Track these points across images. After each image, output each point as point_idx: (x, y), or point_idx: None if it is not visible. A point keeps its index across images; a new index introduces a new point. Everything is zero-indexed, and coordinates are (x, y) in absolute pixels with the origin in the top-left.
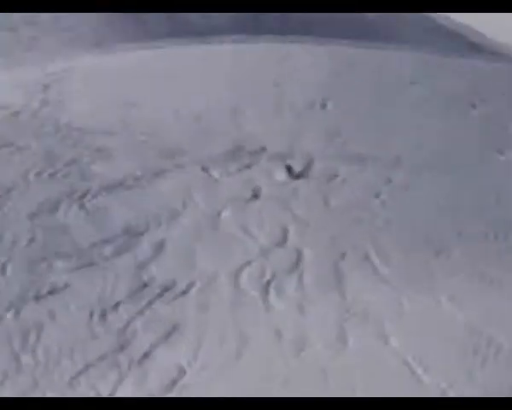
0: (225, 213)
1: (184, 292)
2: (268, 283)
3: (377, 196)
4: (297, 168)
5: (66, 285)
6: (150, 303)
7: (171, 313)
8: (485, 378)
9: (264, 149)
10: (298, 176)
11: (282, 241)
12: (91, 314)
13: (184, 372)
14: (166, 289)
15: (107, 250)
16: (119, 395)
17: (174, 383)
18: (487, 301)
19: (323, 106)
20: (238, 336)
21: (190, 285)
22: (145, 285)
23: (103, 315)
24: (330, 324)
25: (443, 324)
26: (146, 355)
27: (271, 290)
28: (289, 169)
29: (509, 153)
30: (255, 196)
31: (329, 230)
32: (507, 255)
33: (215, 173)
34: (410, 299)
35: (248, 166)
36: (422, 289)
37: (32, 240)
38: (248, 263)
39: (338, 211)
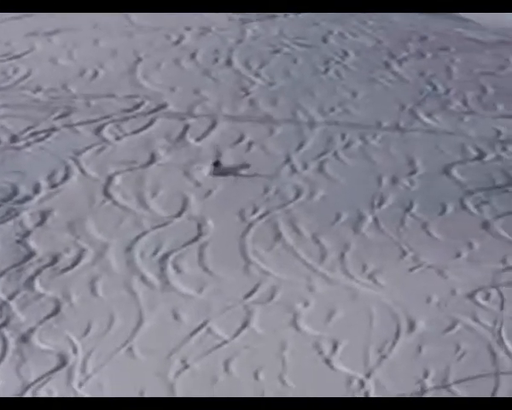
0: (118, 179)
1: (69, 268)
2: (164, 257)
3: (287, 162)
4: (225, 162)
5: None
6: (30, 280)
7: (54, 291)
8: (401, 367)
9: (163, 107)
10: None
11: (181, 211)
12: None
13: (66, 361)
14: (49, 264)
15: None
16: None
17: (53, 372)
18: (403, 278)
19: (229, 62)
20: (131, 319)
21: (76, 260)
22: (25, 259)
23: None
24: (233, 304)
25: (358, 304)
26: (23, 340)
27: (168, 266)
28: (216, 164)
29: (433, 115)
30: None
31: (234, 199)
32: (421, 228)
33: (108, 135)
34: (323, 277)
35: (145, 127)
36: (336, 266)
37: None
38: (143, 235)
39: (244, 179)
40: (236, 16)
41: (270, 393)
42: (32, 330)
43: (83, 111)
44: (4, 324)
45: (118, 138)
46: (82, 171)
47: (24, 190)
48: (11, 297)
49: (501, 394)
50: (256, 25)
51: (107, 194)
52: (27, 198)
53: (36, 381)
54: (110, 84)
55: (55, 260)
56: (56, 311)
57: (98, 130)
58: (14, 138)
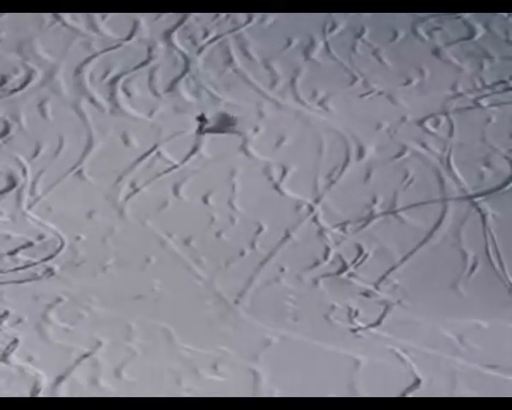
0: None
1: (18, 89)
2: (114, 81)
3: None
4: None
5: None
6: None
7: (3, 112)
8: (350, 193)
9: None
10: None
11: (132, 34)
12: None
13: (16, 182)
14: None
15: None
16: None
17: (3, 193)
18: (354, 104)
19: None
20: (80, 142)
21: (25, 82)
22: None
23: None
24: (181, 130)
25: (308, 130)
26: None
27: (118, 90)
28: (201, 119)
29: None
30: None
31: (186, 21)
32: (372, 54)
33: None
34: (274, 103)
35: None
36: (287, 92)
37: None
38: (92, 57)
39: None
40: None
41: (218, 217)
42: None
43: None
44: None
45: None
46: None
47: None
48: None
49: (447, 219)
50: None
51: (55, 15)
52: None
53: None
54: None
55: (3, 80)
56: (5, 132)
57: None
58: None
